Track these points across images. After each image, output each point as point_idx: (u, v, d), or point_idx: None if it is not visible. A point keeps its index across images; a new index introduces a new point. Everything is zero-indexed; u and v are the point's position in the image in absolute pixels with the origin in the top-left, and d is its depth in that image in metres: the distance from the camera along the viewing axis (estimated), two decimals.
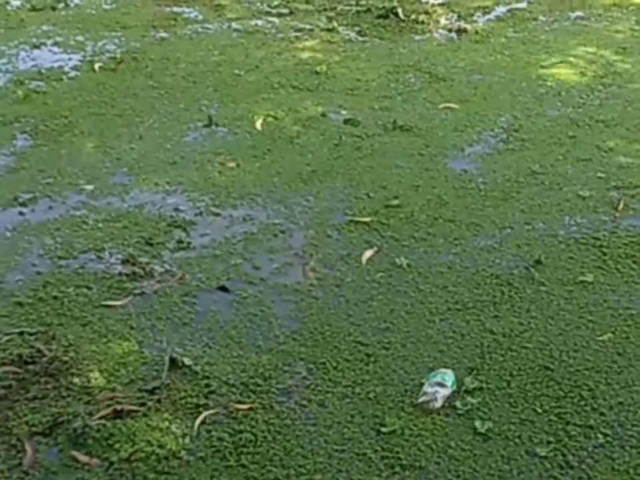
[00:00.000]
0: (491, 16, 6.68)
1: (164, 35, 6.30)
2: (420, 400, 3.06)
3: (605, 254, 3.88)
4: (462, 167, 4.62)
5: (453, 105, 5.27)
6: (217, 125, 5.05)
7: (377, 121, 5.09)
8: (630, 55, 5.88)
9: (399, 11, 6.57)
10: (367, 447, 2.90)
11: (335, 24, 6.43)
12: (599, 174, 4.53)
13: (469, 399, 3.07)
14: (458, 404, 3.05)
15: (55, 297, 3.57)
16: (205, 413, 2.99)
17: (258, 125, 5.05)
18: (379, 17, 6.56)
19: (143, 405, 3.01)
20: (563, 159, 4.69)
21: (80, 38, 6.22)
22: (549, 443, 2.91)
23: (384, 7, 6.64)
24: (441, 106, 5.28)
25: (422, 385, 3.11)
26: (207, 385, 3.12)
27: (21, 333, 3.32)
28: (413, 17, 6.54)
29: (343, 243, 3.98)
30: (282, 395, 3.09)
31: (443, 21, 6.57)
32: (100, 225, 4.09)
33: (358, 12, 6.66)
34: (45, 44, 6.16)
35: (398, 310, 3.54)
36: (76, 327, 3.41)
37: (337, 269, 3.79)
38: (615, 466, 2.82)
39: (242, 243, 3.97)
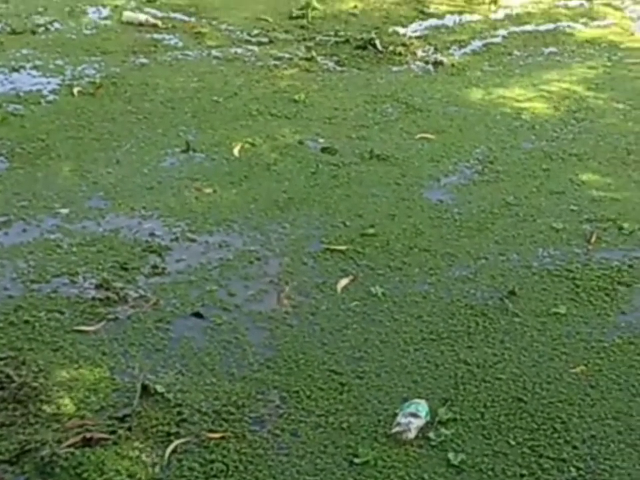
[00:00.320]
0: (467, 49, 6.78)
1: (144, 60, 6.31)
2: (393, 430, 3.05)
3: (577, 286, 3.91)
4: (438, 197, 4.66)
5: (429, 136, 5.33)
6: (194, 151, 5.05)
7: (354, 149, 5.12)
8: (602, 91, 5.99)
9: (377, 42, 6.64)
10: (339, 477, 2.87)
11: (314, 53, 6.48)
12: (572, 207, 4.59)
13: (443, 430, 3.06)
14: (431, 435, 3.04)
15: (26, 321, 3.53)
16: (176, 442, 2.95)
17: (235, 151, 5.06)
18: (357, 47, 6.63)
19: (113, 432, 2.97)
20: (536, 192, 4.74)
21: (59, 62, 6.21)
22: (522, 475, 2.91)
23: (362, 38, 6.71)
24: (418, 136, 5.32)
25: (396, 415, 3.10)
26: (179, 413, 3.09)
27: None
28: (391, 48, 6.61)
29: (319, 271, 3.98)
30: (255, 424, 3.07)
31: (420, 53, 6.66)
32: (74, 248, 4.06)
33: (337, 42, 6.73)
34: (24, 67, 6.14)
35: (372, 339, 3.53)
36: (47, 352, 3.37)
37: (312, 296, 3.79)
38: None
39: (217, 269, 3.95)
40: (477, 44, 6.87)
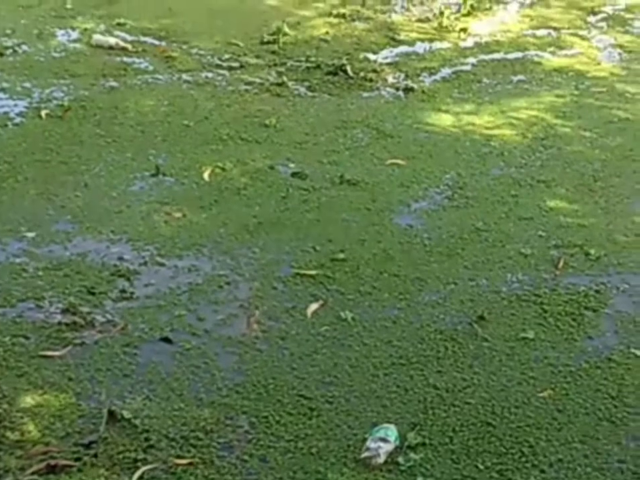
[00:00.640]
0: (437, 77, 6.85)
1: (114, 84, 6.29)
2: (363, 455, 3.03)
3: (545, 311, 3.95)
4: (408, 222, 4.68)
5: (399, 161, 5.36)
6: (164, 175, 5.03)
7: (324, 174, 5.14)
8: (569, 119, 6.08)
9: (348, 68, 6.69)
10: None
11: (285, 79, 6.51)
12: (540, 232, 4.64)
13: (412, 454, 3.05)
14: (401, 460, 3.03)
15: None
16: (143, 468, 2.91)
17: (205, 175, 5.05)
18: (329, 73, 6.67)
19: (78, 459, 2.92)
20: (505, 217, 4.79)
21: (27, 85, 6.17)
22: None
23: (333, 64, 6.76)
24: (388, 162, 5.36)
25: (365, 440, 3.09)
26: (146, 439, 3.04)
27: None
28: (362, 74, 6.66)
29: (289, 295, 3.97)
30: (223, 450, 3.04)
31: (390, 79, 6.72)
32: (40, 272, 4.01)
33: (308, 68, 6.77)
34: None
35: (342, 364, 3.52)
36: (11, 377, 3.31)
37: (282, 321, 3.77)
38: None
39: (186, 294, 3.92)
40: (446, 71, 6.95)
